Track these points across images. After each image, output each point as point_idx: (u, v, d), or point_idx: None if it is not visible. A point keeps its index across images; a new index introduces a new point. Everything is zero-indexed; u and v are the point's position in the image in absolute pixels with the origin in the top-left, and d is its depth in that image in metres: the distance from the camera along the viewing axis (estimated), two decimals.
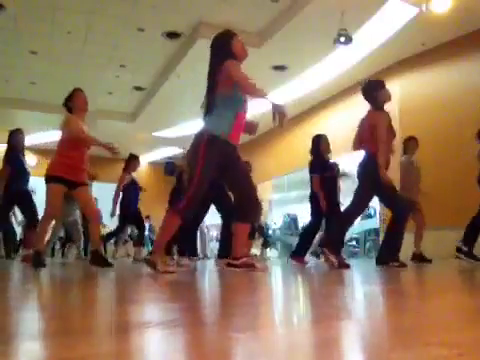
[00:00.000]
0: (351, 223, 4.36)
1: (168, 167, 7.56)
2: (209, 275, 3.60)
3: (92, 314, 1.28)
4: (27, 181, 5.76)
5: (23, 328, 1.04)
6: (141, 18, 7.38)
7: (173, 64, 8.92)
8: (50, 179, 4.15)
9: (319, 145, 5.59)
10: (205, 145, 3.09)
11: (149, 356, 0.77)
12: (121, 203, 6.95)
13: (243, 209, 3.29)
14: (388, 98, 4.31)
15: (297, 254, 5.39)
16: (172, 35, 8.00)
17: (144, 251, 7.77)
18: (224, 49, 3.26)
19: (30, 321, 1.15)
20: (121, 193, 6.95)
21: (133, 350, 0.79)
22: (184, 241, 5.70)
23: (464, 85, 7.47)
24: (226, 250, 5.22)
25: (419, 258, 5.68)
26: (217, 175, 3.22)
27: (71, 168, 4.16)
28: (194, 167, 3.11)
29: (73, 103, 4.32)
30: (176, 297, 1.84)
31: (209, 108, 3.22)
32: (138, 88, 10.37)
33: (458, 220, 6.62)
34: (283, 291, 2.18)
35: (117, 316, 1.23)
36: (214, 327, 1.04)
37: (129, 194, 6.98)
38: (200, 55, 8.30)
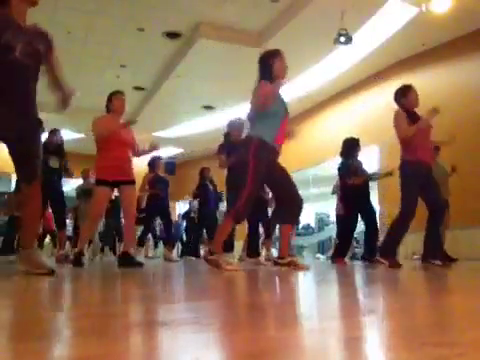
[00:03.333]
0: (406, 227, 4.23)
1: (168, 167, 7.57)
2: (218, 274, 3.61)
3: (93, 314, 1.28)
4: (50, 180, 5.71)
5: (23, 328, 1.04)
6: (141, 18, 7.39)
7: (173, 64, 8.93)
8: (96, 182, 4.37)
9: None
10: (255, 148, 3.42)
11: (149, 356, 0.77)
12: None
13: (287, 210, 3.55)
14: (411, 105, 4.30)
15: (337, 255, 5.65)
16: (172, 35, 8.01)
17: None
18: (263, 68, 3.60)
19: (30, 320, 1.15)
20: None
21: (133, 350, 0.79)
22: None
23: (464, 85, 7.47)
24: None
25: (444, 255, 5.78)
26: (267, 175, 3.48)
27: (112, 169, 4.24)
28: (248, 168, 3.38)
29: (111, 105, 4.48)
30: (177, 297, 1.84)
31: (254, 118, 3.61)
32: (138, 88, 10.38)
33: (458, 220, 6.62)
34: (282, 292, 2.18)
35: (118, 316, 1.23)
36: (215, 327, 1.04)
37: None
38: (200, 55, 8.34)
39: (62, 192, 6.02)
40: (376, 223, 5.65)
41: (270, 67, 3.54)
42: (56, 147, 6.06)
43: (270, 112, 3.49)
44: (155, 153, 6.01)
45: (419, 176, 4.11)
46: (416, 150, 4.14)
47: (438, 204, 4.21)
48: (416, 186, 4.11)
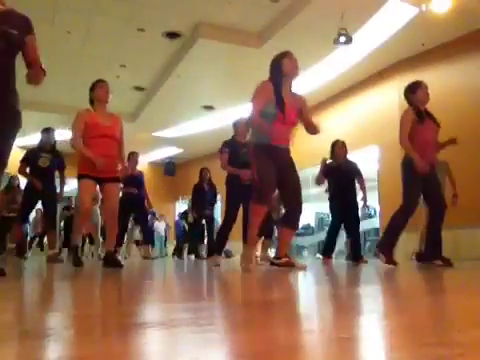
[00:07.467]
0: (405, 222, 4.23)
1: (168, 167, 7.60)
2: (216, 275, 3.60)
3: (91, 314, 1.28)
4: (40, 180, 5.80)
5: (22, 327, 1.04)
6: (141, 18, 7.38)
7: (173, 64, 8.92)
8: (78, 177, 4.15)
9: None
10: (252, 153, 3.69)
11: (149, 356, 0.76)
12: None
13: (288, 214, 3.68)
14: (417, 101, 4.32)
15: (325, 254, 6.07)
16: (172, 35, 8.01)
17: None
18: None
19: (29, 320, 1.15)
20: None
21: (133, 350, 0.79)
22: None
23: (464, 85, 7.47)
24: (218, 248, 5.22)
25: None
26: (276, 172, 3.62)
27: (93, 165, 4.01)
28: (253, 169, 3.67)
29: (93, 94, 4.24)
30: (177, 297, 1.84)
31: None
32: (138, 88, 10.37)
33: (458, 220, 6.60)
34: (280, 292, 2.18)
35: (117, 316, 1.23)
36: (214, 327, 1.04)
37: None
38: (200, 55, 8.34)
39: (54, 192, 5.91)
40: (357, 228, 5.81)
41: (279, 65, 3.70)
42: (49, 147, 6.06)
43: (261, 114, 3.57)
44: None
45: (418, 175, 4.12)
46: (417, 150, 4.15)
47: (438, 204, 4.22)
48: (416, 182, 4.13)
